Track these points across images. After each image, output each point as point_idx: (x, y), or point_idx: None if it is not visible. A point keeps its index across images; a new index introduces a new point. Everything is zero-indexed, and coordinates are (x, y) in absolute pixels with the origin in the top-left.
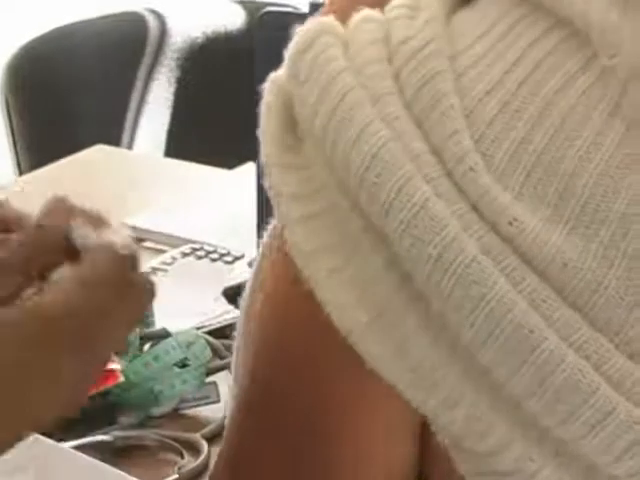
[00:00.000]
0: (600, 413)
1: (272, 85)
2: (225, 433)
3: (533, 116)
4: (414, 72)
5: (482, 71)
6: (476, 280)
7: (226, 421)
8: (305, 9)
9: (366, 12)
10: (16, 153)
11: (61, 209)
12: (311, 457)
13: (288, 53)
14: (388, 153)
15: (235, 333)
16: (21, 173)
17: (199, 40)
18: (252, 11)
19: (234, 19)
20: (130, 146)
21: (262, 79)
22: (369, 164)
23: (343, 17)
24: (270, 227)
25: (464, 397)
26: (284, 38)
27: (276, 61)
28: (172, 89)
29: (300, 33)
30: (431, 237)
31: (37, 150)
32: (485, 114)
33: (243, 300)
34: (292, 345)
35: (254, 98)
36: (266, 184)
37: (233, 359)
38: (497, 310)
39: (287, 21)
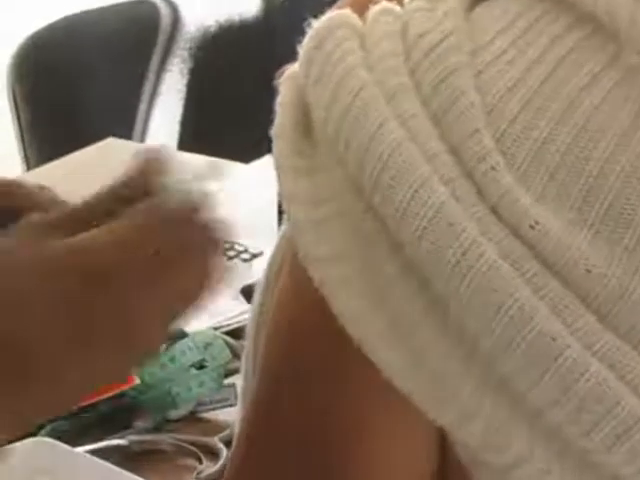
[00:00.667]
0: (625, 424)
1: (287, 81)
2: (236, 437)
3: (556, 115)
4: (432, 67)
5: (503, 68)
6: (495, 287)
7: (237, 424)
8: None
9: (384, 4)
10: (24, 146)
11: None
12: (325, 466)
13: (302, 49)
14: (403, 154)
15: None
16: (29, 167)
17: (213, 29)
18: None
19: (249, 7)
20: (142, 139)
21: (283, 69)
22: (384, 165)
23: (361, 10)
24: (282, 230)
25: (482, 408)
26: (306, 26)
27: (297, 50)
28: (185, 80)
29: (315, 27)
30: (448, 242)
31: (45, 143)
32: (507, 112)
33: (254, 302)
34: (305, 352)
35: (271, 88)
36: (278, 187)
37: (243, 362)
38: (518, 317)
39: (308, 8)
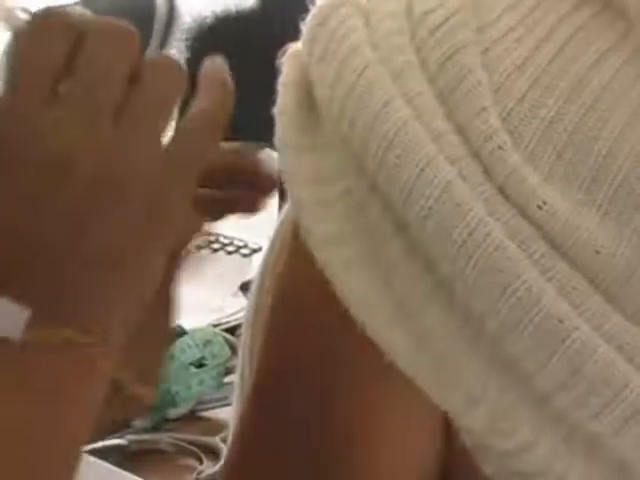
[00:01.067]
0: (634, 406)
1: (290, 60)
2: (232, 435)
3: (564, 93)
4: (437, 45)
5: (511, 46)
6: (502, 267)
7: (232, 422)
8: None
9: None
10: None
11: None
12: (329, 454)
13: (306, 26)
14: (409, 133)
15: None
16: None
17: (209, 20)
18: None
19: None
20: None
21: (285, 48)
22: (389, 144)
23: None
24: (281, 214)
25: (487, 392)
26: (304, 17)
27: (296, 41)
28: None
29: (319, 4)
30: (455, 222)
31: None
32: (514, 91)
33: (249, 299)
34: (307, 337)
35: (268, 79)
36: (280, 166)
37: (240, 355)
38: (525, 299)
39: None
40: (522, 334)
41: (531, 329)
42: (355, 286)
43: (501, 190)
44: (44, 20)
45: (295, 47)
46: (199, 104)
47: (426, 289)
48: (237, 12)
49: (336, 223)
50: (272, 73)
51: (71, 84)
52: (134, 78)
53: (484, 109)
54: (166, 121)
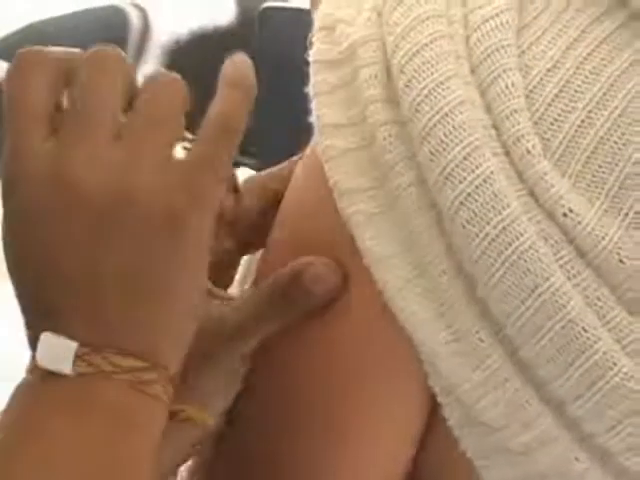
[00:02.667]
0: None
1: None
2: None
3: (595, 98)
4: (479, 42)
5: (544, 48)
6: (531, 268)
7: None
8: (306, 5)
9: None
10: None
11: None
12: (326, 417)
13: None
14: (463, 115)
15: None
16: None
17: (185, 37)
18: (244, 5)
19: (224, 14)
20: None
21: (263, 79)
22: (440, 119)
23: None
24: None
25: (509, 381)
26: (286, 36)
27: (278, 60)
28: None
29: None
30: (491, 215)
31: None
32: (545, 94)
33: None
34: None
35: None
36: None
37: None
38: (550, 303)
39: (288, 17)
40: (542, 339)
41: (552, 335)
42: (377, 242)
43: (530, 193)
44: (27, 59)
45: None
46: (213, 107)
47: (447, 270)
48: (215, 28)
49: (363, 174)
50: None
51: (65, 115)
52: (133, 96)
53: (515, 111)
54: (171, 134)
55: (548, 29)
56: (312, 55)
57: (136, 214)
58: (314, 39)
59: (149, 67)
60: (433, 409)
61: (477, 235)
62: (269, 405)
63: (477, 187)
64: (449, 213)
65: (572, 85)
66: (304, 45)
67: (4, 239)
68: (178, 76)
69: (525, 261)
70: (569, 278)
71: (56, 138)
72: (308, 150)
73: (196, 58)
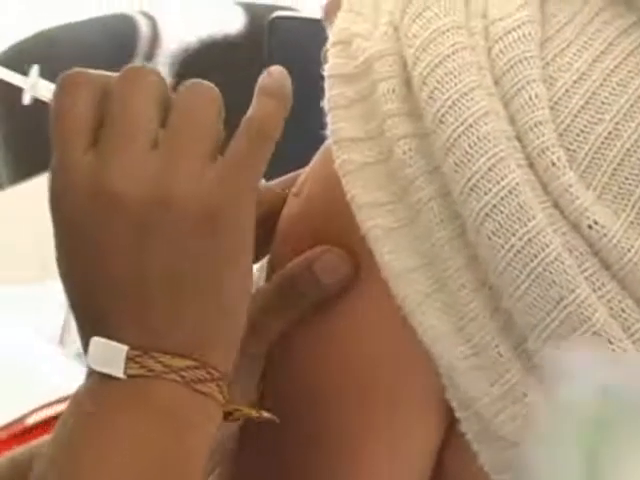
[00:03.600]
0: None
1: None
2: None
3: (622, 110)
4: (501, 54)
5: (570, 60)
6: (557, 280)
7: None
8: (316, 14)
9: None
10: None
11: None
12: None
13: None
14: (487, 126)
15: None
16: (3, 185)
17: (194, 45)
18: (253, 14)
19: (233, 22)
20: None
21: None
22: (465, 130)
23: None
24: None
25: (528, 395)
26: (295, 45)
27: (287, 69)
28: None
29: None
30: (516, 226)
31: (22, 160)
32: (571, 106)
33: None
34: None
35: None
36: (328, 129)
37: None
38: (575, 315)
39: (298, 27)
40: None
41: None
42: (395, 257)
43: (555, 205)
44: (70, 79)
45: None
46: (249, 113)
47: (468, 282)
48: (224, 37)
49: (380, 189)
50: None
51: (104, 128)
52: (168, 107)
53: (539, 123)
54: (207, 142)
55: (573, 41)
56: (327, 69)
57: (175, 217)
58: (329, 53)
59: None
60: (451, 423)
61: (502, 247)
62: (283, 417)
63: (502, 199)
64: (474, 225)
65: (599, 97)
66: (314, 55)
67: (56, 248)
68: (212, 85)
69: (551, 273)
70: (594, 290)
71: (96, 150)
72: (318, 164)
73: (205, 67)
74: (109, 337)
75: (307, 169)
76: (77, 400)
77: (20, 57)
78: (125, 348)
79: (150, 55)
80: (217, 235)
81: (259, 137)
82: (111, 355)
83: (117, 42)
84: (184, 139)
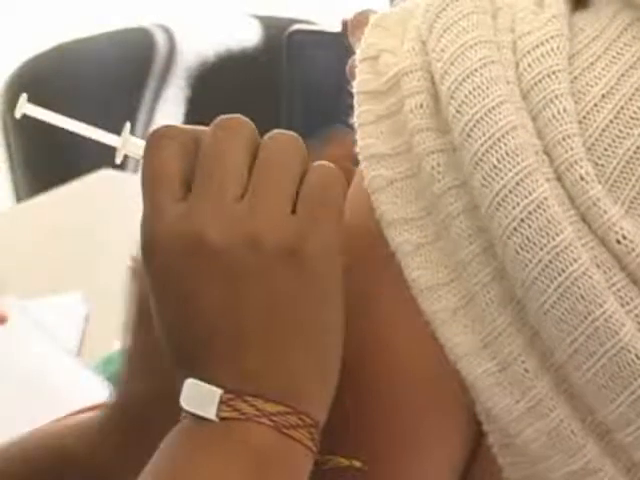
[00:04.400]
0: None
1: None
2: None
3: None
4: (529, 68)
5: (598, 74)
6: (585, 295)
7: None
8: (333, 27)
9: None
10: (14, 177)
11: None
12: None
13: (430, 2)
14: (515, 140)
15: None
16: (20, 198)
17: (211, 58)
18: (271, 28)
19: (249, 35)
20: (136, 170)
21: (290, 102)
22: (493, 144)
23: None
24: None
25: (554, 411)
26: (314, 59)
27: (306, 83)
28: (182, 111)
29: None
30: (545, 240)
31: (37, 174)
32: (599, 120)
33: None
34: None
35: (272, 119)
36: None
37: None
38: (603, 330)
39: (316, 41)
40: (594, 366)
41: (604, 362)
42: (423, 272)
43: (583, 219)
44: (160, 132)
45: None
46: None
47: (495, 297)
48: (241, 50)
49: (408, 206)
50: (275, 111)
51: (196, 179)
52: (255, 155)
53: (568, 137)
54: (289, 189)
55: (601, 56)
56: (356, 86)
57: (263, 257)
58: (357, 70)
59: (174, 90)
60: (479, 435)
61: (530, 261)
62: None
63: (530, 213)
64: (502, 239)
65: (627, 111)
66: (332, 68)
67: (150, 294)
68: (295, 135)
69: (579, 287)
70: (622, 305)
71: (188, 201)
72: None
73: (222, 80)
74: (203, 379)
75: None
76: (169, 440)
77: (37, 71)
78: (219, 391)
79: (167, 68)
80: (306, 273)
81: (331, 174)
82: (204, 397)
83: (134, 55)
84: (269, 187)
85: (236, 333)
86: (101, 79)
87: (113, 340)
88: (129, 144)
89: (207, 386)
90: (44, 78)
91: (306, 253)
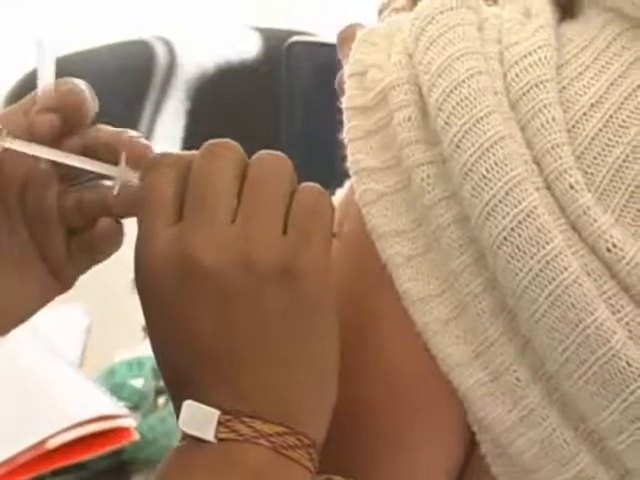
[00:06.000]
0: None
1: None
2: None
3: (639, 133)
4: (517, 78)
5: (586, 84)
6: (575, 303)
7: None
8: (332, 38)
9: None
10: None
11: None
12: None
13: (412, 25)
14: (504, 150)
15: None
16: None
17: (211, 70)
18: (270, 39)
19: (249, 47)
20: None
21: (290, 111)
22: (482, 155)
23: None
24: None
25: (546, 420)
26: (313, 70)
27: (305, 94)
28: (182, 122)
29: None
30: (534, 249)
31: None
32: (589, 129)
33: None
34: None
35: (272, 131)
36: (348, 158)
37: None
38: (594, 337)
39: (316, 51)
40: (585, 374)
41: (596, 369)
42: (415, 284)
43: (573, 228)
44: (156, 160)
45: (368, 33)
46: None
47: (487, 307)
48: (241, 62)
49: (398, 218)
50: (275, 123)
51: (187, 202)
52: (244, 177)
53: (557, 146)
54: (278, 210)
55: (590, 65)
56: (344, 101)
57: (256, 278)
58: (346, 86)
59: (174, 103)
60: (472, 443)
61: (521, 270)
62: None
63: (520, 222)
64: (492, 248)
65: (616, 120)
66: (331, 80)
67: (144, 316)
68: (282, 155)
69: (569, 295)
70: (613, 313)
71: (180, 225)
72: (352, 200)
73: (222, 92)
74: (201, 401)
75: (338, 208)
76: (167, 461)
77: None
78: (217, 413)
79: (167, 81)
80: (298, 291)
81: (324, 193)
82: (203, 419)
83: (134, 68)
84: (260, 209)
85: (231, 354)
86: (101, 91)
87: (115, 352)
88: (126, 173)
89: (205, 408)
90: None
91: (298, 272)
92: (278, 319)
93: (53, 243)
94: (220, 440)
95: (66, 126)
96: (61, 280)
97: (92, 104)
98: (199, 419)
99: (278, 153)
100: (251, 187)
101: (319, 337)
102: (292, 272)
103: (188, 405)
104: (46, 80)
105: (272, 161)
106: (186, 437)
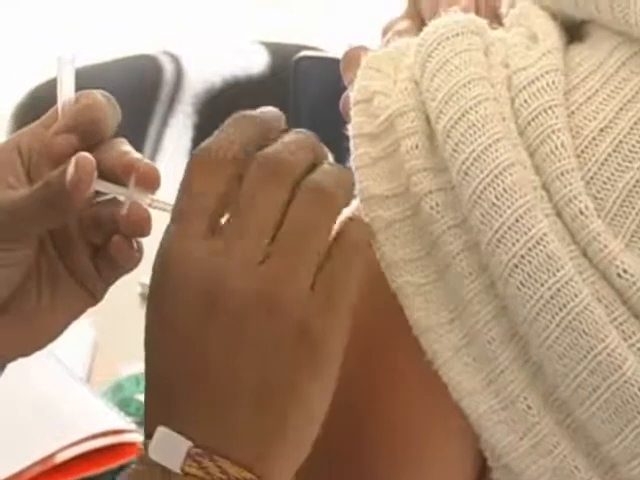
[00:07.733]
0: None
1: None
2: None
3: None
4: (525, 104)
5: (596, 109)
6: (587, 330)
7: None
8: (339, 54)
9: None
10: None
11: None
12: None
13: (418, 50)
14: (512, 176)
15: None
16: None
17: (218, 84)
18: (277, 54)
19: (256, 61)
20: None
21: (297, 126)
22: (490, 182)
23: None
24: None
25: (558, 447)
26: (321, 85)
27: (313, 110)
28: (189, 137)
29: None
30: (545, 277)
31: None
32: (598, 154)
33: None
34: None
35: None
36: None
37: None
38: (605, 364)
39: (323, 67)
40: (597, 401)
41: (608, 396)
42: (423, 313)
43: (584, 254)
44: (201, 161)
45: (374, 57)
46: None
47: (498, 335)
48: (247, 76)
49: (407, 247)
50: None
51: (230, 219)
52: (288, 203)
53: (566, 172)
54: (317, 250)
55: (599, 90)
56: (351, 129)
57: (274, 323)
58: (352, 113)
59: (182, 117)
60: (483, 469)
61: (532, 297)
62: (324, 461)
63: (530, 249)
64: (503, 276)
65: (626, 145)
66: (339, 95)
67: (145, 328)
68: (334, 193)
69: (580, 322)
70: (625, 339)
71: (215, 238)
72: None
73: (229, 107)
74: (175, 429)
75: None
76: None
77: (45, 98)
78: (188, 444)
79: (174, 95)
80: (313, 353)
81: (354, 257)
82: (172, 447)
83: (141, 82)
84: (296, 252)
85: (228, 391)
86: None
87: (121, 366)
88: (135, 194)
89: (177, 437)
90: (51, 105)
91: (317, 335)
92: (284, 371)
93: (78, 257)
94: (186, 474)
95: (84, 142)
96: (90, 292)
97: (113, 118)
98: (169, 447)
99: (330, 190)
100: (295, 226)
101: (317, 399)
102: (312, 335)
103: (161, 431)
104: (66, 95)
105: (319, 200)
106: (144, 459)
